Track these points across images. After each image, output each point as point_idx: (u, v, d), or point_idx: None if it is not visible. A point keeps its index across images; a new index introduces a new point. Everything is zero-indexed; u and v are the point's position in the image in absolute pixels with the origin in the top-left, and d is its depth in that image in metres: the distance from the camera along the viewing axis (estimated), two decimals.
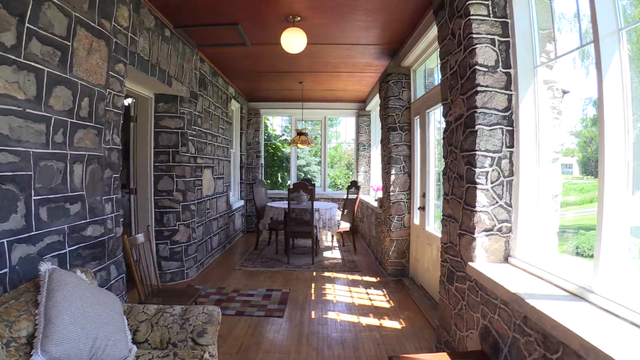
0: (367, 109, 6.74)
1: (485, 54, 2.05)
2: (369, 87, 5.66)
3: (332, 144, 10.30)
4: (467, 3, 2.05)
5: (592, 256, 2.77)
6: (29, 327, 1.35)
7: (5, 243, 1.65)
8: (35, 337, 1.36)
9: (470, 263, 2.10)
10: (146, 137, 3.74)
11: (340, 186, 9.57)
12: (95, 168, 2.33)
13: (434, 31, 3.06)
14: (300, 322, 2.89)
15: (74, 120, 2.11)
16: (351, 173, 9.59)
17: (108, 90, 2.43)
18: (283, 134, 9.53)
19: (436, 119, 3.60)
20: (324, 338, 2.63)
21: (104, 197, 2.42)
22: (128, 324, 1.72)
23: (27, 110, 1.76)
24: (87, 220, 2.24)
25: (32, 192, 1.82)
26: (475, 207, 2.10)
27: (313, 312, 3.10)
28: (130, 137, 3.68)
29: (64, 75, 1.99)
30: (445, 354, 1.76)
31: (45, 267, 1.56)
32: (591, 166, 3.37)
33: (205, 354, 1.54)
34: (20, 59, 1.68)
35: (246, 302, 3.30)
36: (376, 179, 6.18)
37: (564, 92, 2.43)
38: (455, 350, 2.18)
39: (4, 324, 1.27)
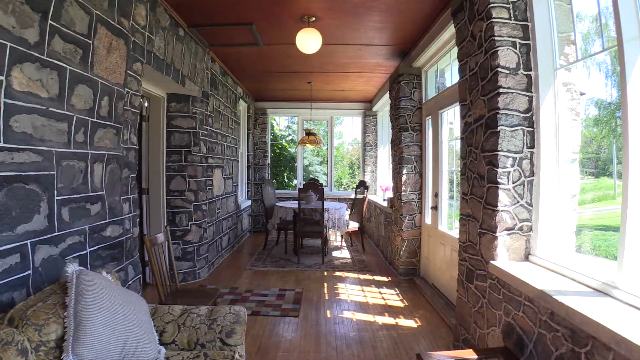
0: (374, 109, 6.75)
1: (506, 57, 2.07)
2: (377, 87, 5.67)
3: (334, 144, 10.33)
4: (488, 6, 2.07)
5: (597, 254, 2.80)
6: (57, 330, 1.33)
7: (29, 244, 1.65)
8: (65, 341, 1.34)
9: (492, 261, 2.11)
10: (158, 136, 3.74)
11: (347, 186, 9.58)
12: (114, 168, 2.33)
13: (447, 33, 3.08)
14: (317, 322, 2.90)
15: (95, 120, 2.10)
16: (357, 173, 9.60)
17: (126, 89, 2.43)
18: (290, 134, 9.54)
19: (449, 119, 3.61)
20: (342, 337, 2.64)
21: (122, 197, 2.42)
22: (154, 325, 1.71)
23: (50, 108, 1.76)
24: (107, 221, 2.24)
25: (55, 192, 1.82)
26: (497, 206, 2.11)
27: (328, 312, 3.10)
28: (143, 137, 3.68)
29: (85, 73, 1.99)
30: (471, 350, 1.78)
31: (72, 268, 1.55)
32: (591, 166, 3.39)
33: (236, 355, 1.54)
34: (43, 57, 1.68)
35: (260, 302, 3.30)
36: (384, 179, 6.19)
37: (581, 94, 2.45)
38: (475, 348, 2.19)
39: (33, 328, 1.26)
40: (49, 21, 1.71)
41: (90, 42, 2.02)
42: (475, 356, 1.72)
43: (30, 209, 1.66)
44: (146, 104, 3.70)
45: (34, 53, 1.62)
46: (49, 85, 1.73)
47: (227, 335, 1.64)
